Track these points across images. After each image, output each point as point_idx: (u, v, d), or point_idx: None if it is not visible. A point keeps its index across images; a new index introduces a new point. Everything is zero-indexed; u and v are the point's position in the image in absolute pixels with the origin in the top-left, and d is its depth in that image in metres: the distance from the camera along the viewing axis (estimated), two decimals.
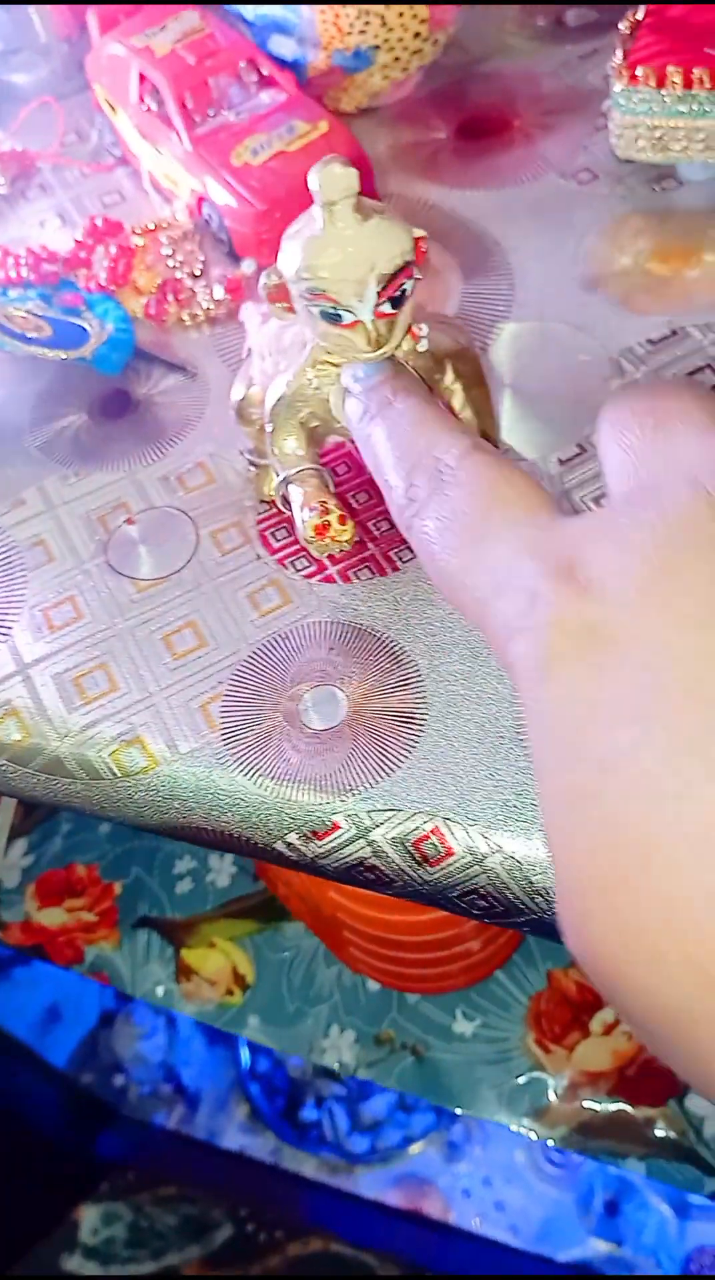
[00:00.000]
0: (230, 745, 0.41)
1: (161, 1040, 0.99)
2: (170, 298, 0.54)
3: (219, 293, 0.53)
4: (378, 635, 0.43)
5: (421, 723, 0.40)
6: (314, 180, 0.32)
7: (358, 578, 0.45)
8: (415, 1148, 0.93)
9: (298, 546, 0.46)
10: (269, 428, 0.40)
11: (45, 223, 0.60)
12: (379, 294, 0.34)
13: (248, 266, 0.54)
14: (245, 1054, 0.96)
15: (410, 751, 0.40)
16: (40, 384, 0.54)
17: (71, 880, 0.86)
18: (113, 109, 0.60)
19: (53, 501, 0.49)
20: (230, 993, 0.80)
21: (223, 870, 0.85)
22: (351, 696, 0.41)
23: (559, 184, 0.57)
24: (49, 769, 0.42)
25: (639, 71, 0.52)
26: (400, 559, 0.45)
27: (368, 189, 0.56)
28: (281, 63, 0.59)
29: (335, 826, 0.39)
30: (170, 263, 0.55)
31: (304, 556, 0.46)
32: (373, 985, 0.78)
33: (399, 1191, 0.93)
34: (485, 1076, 0.75)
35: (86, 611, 0.45)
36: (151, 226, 0.56)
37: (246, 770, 0.40)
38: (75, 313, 0.53)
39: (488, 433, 0.43)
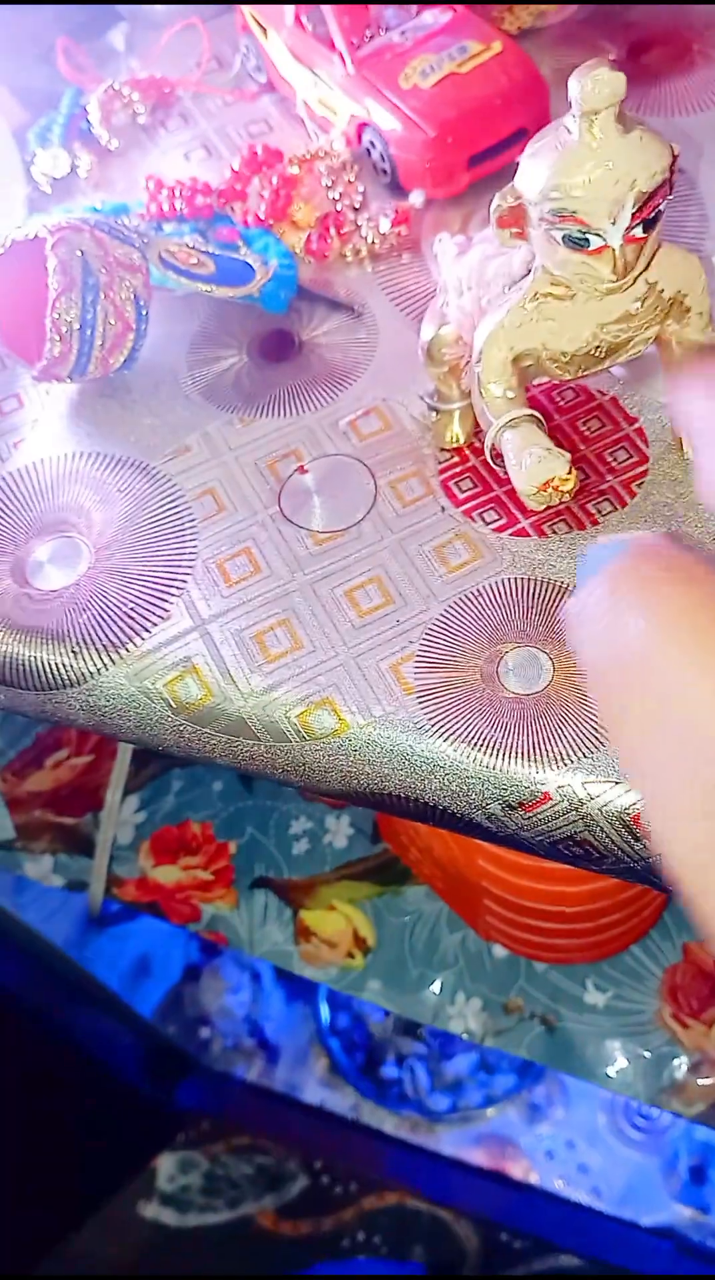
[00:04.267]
0: (427, 709, 0.38)
1: (247, 995, 0.98)
2: (332, 232, 0.51)
3: (385, 225, 0.50)
4: None
5: None
6: (575, 87, 0.29)
7: (554, 531, 0.42)
8: (496, 1108, 0.91)
9: (486, 497, 0.43)
10: (477, 369, 0.37)
11: (190, 154, 0.57)
12: (633, 215, 0.31)
13: (417, 198, 0.51)
14: (325, 1010, 0.95)
15: None
16: (194, 325, 0.51)
17: (185, 838, 0.85)
18: (263, 31, 0.57)
19: (218, 449, 0.47)
20: (351, 955, 0.79)
21: (339, 831, 0.84)
22: (556, 660, 0.39)
23: None
24: (231, 730, 0.40)
25: None
26: (599, 512, 0.42)
27: (543, 114, 0.52)
28: None
29: (545, 798, 0.37)
30: (331, 195, 0.52)
31: (493, 508, 0.43)
32: (499, 952, 0.76)
33: (482, 1150, 0.92)
34: (619, 1049, 0.73)
35: (263, 565, 0.43)
36: (307, 156, 0.53)
37: (446, 736, 0.38)
38: (233, 248, 0.50)
39: None
